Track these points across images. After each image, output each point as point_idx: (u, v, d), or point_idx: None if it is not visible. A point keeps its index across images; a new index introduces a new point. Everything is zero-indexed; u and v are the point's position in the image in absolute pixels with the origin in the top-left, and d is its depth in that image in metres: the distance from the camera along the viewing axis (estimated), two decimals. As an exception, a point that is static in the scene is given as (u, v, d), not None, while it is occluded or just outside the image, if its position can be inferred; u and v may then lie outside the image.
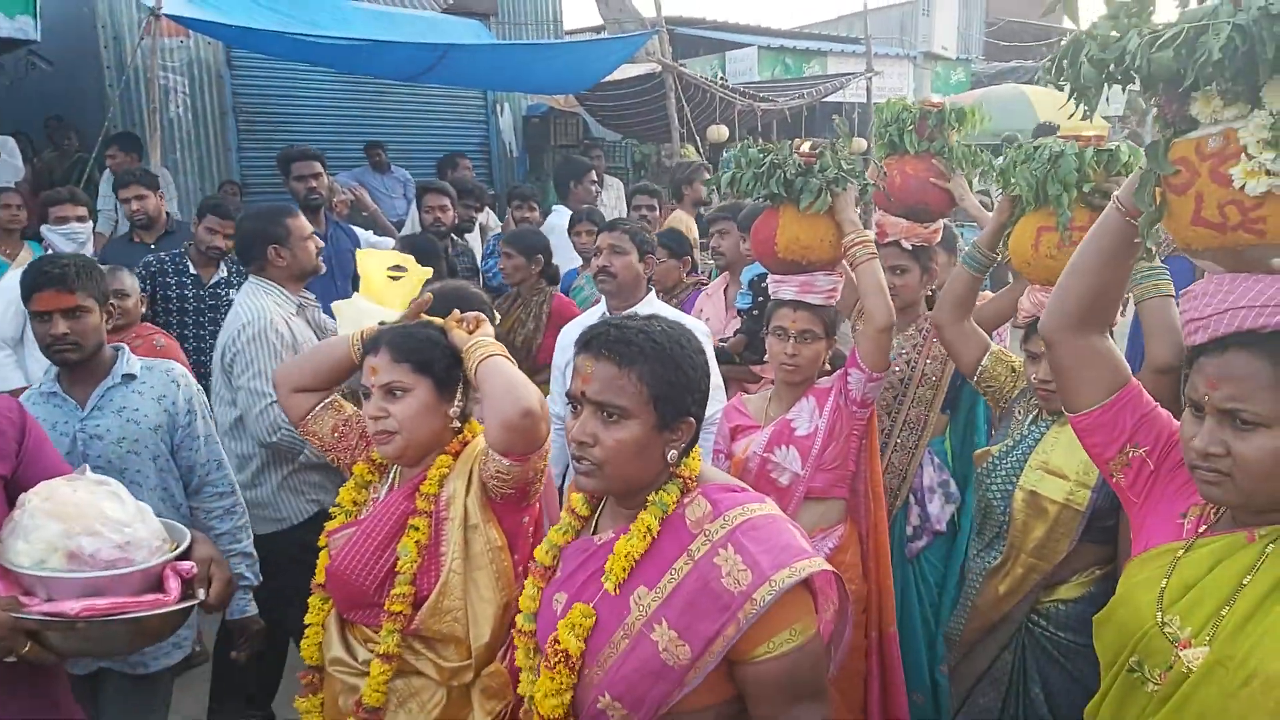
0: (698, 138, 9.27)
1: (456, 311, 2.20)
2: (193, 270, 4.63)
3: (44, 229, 4.76)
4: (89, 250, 4.73)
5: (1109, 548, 2.44)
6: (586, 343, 1.62)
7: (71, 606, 1.71)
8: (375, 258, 3.11)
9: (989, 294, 3.56)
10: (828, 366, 2.94)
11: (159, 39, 8.80)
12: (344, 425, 2.26)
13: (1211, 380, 1.43)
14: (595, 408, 1.58)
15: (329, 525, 2.19)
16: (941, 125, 3.19)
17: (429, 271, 3.12)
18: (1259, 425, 1.38)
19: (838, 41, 15.03)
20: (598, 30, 13.03)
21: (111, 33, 8.70)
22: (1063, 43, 1.48)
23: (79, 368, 2.70)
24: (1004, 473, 2.56)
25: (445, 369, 2.09)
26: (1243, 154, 1.31)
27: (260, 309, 3.30)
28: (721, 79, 10.70)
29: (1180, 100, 1.39)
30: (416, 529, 2.02)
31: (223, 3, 7.33)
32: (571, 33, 12.47)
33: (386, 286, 2.98)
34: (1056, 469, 2.45)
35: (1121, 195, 1.60)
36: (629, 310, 3.34)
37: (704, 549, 1.55)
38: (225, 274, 4.70)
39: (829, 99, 11.02)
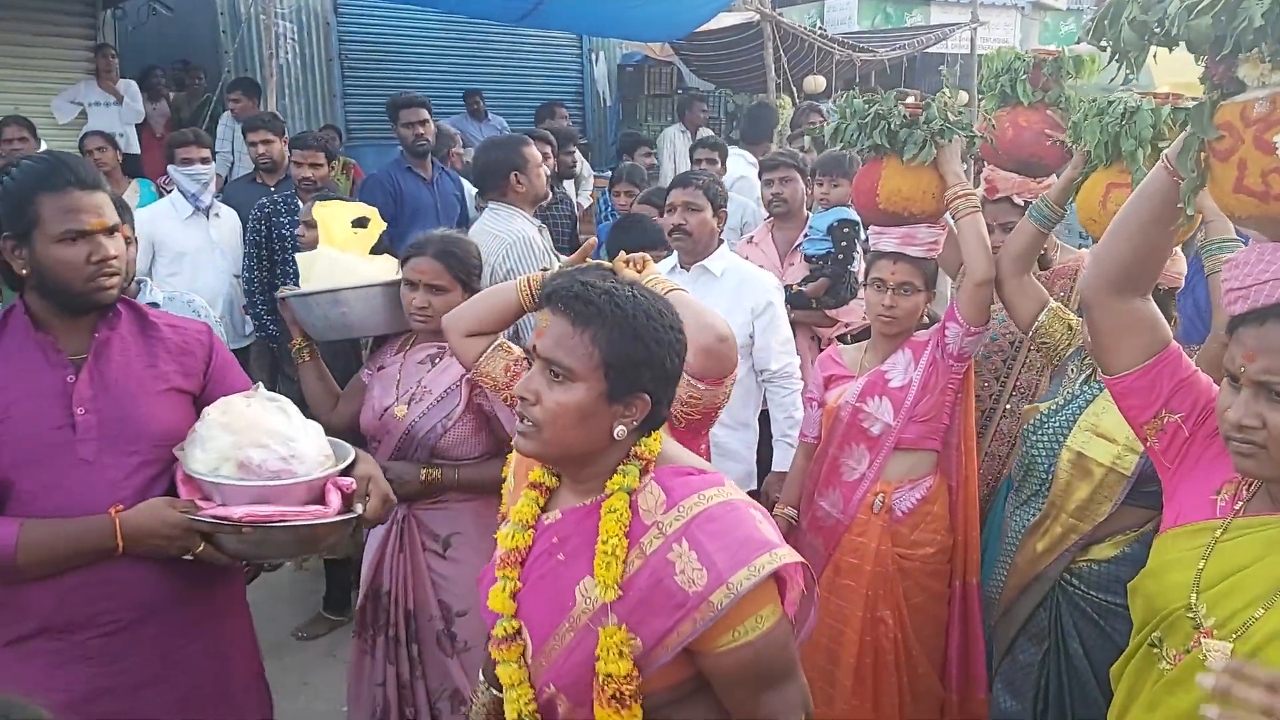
0: (794, 88, 9.15)
1: (623, 254, 2.25)
2: (302, 206, 4.81)
3: (170, 169, 5.02)
4: (211, 190, 4.97)
5: (1150, 512, 2.38)
6: (548, 295, 1.51)
7: (237, 512, 1.86)
8: (335, 208, 3.04)
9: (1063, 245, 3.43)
10: (925, 319, 2.94)
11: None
12: (515, 365, 2.30)
13: (1249, 352, 1.40)
14: (543, 364, 1.48)
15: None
16: (1058, 74, 3.02)
17: (383, 224, 3.10)
18: None
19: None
20: None
21: (226, -22, 9.01)
22: (1105, 4, 1.43)
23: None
24: (1051, 431, 2.54)
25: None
26: None
27: (517, 229, 3.53)
28: (821, 28, 10.49)
29: (1227, 62, 1.34)
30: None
31: None
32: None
33: (350, 237, 2.97)
34: (1106, 432, 2.41)
35: (1171, 155, 1.55)
36: (703, 263, 3.43)
37: (656, 544, 1.43)
38: None
39: (931, 50, 10.69)
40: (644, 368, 1.47)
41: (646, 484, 1.50)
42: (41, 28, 7.98)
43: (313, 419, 2.16)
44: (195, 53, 9.31)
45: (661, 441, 1.55)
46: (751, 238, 4.50)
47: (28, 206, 1.88)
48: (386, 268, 2.89)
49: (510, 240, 3.48)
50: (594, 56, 11.22)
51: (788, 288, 4.03)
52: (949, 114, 2.73)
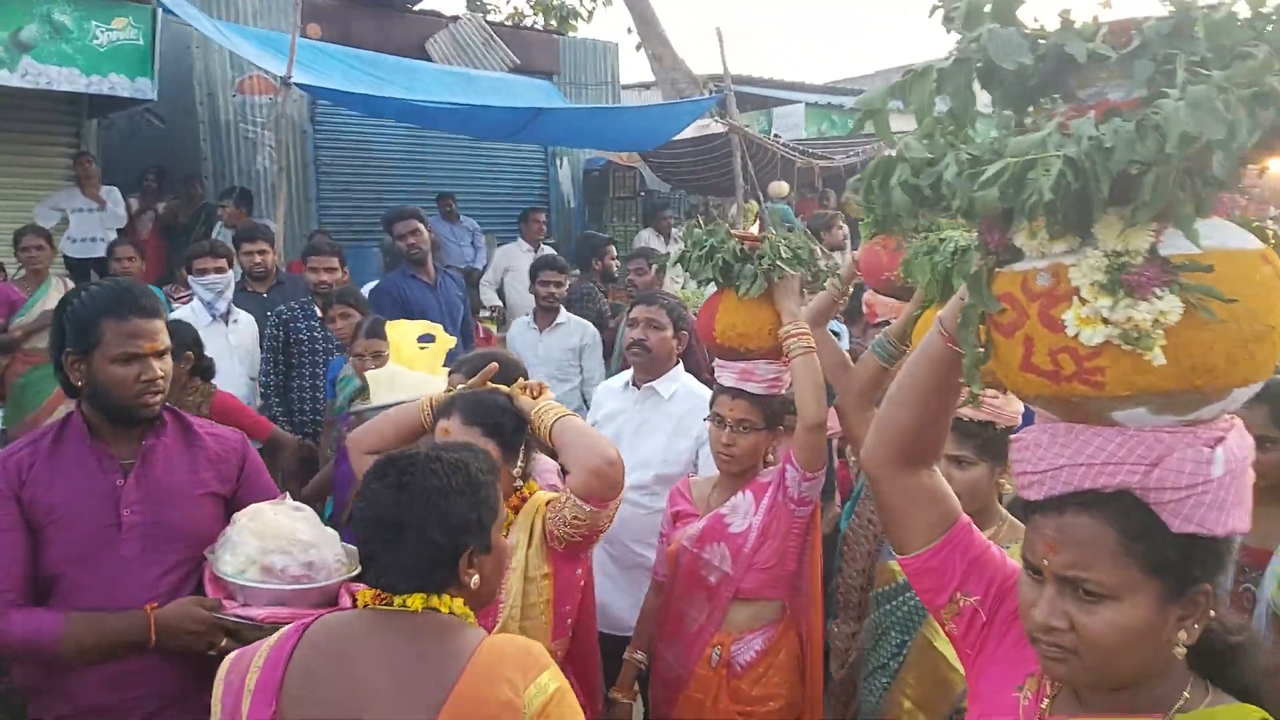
0: (760, 192, 9.59)
1: (521, 380, 2.39)
2: (318, 313, 4.93)
3: (189, 279, 5.26)
4: (226, 297, 5.15)
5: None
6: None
7: (259, 613, 2.05)
8: (404, 327, 3.24)
9: None
10: (770, 458, 2.78)
11: (249, 96, 9.57)
12: None
13: (1050, 543, 1.24)
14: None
15: None
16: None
17: (453, 340, 3.28)
18: (1105, 597, 1.21)
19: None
20: (647, 85, 13.52)
21: (206, 90, 9.37)
22: (871, 164, 1.32)
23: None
24: (908, 607, 2.38)
25: (512, 432, 2.23)
26: (1075, 297, 1.13)
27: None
28: (775, 134, 11.08)
29: (1002, 227, 1.22)
30: None
31: (333, 70, 7.96)
32: (626, 88, 13.00)
33: (416, 354, 3.12)
34: None
35: (946, 320, 1.41)
36: (653, 383, 3.38)
37: None
38: None
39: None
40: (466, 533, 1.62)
41: None
42: (27, 136, 8.30)
43: None
44: (174, 160, 9.59)
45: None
46: None
47: (92, 328, 2.13)
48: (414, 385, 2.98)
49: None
50: (558, 161, 11.65)
51: None
52: (782, 250, 2.63)
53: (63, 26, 7.09)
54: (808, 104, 11.83)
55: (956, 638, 1.50)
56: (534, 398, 2.32)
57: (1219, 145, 1.05)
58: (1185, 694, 1.26)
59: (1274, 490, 2.38)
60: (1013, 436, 1.36)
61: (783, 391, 2.73)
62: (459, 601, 1.60)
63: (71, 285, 6.14)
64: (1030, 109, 1.26)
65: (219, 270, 5.11)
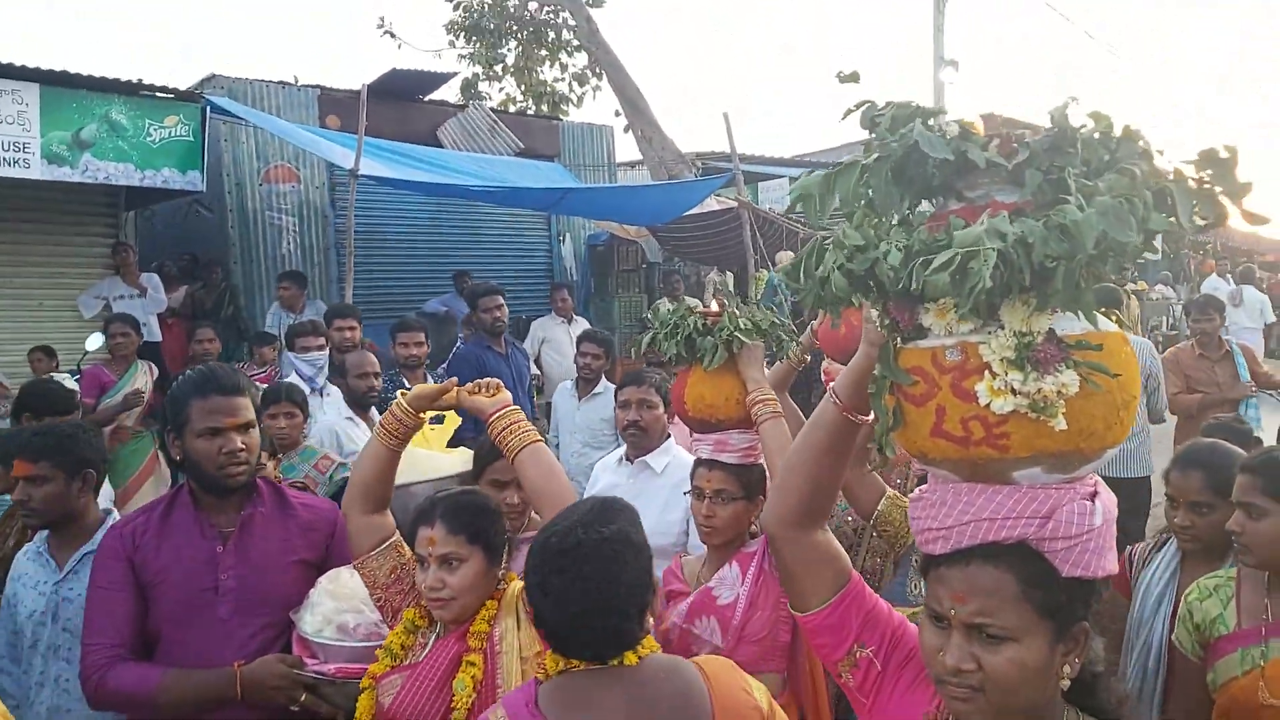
0: (770, 262, 10.02)
1: (471, 385, 2.36)
2: (408, 386, 5.21)
3: (290, 355, 5.72)
4: (325, 372, 5.56)
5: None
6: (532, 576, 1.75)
7: (330, 667, 2.20)
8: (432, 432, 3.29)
9: None
10: (754, 528, 2.77)
11: (274, 185, 10.03)
12: (402, 569, 2.27)
13: (957, 594, 1.34)
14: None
15: (374, 669, 2.19)
16: None
17: (459, 420, 3.33)
18: (1007, 639, 1.32)
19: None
20: (633, 165, 14.10)
21: (235, 180, 9.82)
22: (804, 249, 1.41)
23: (61, 530, 2.75)
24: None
25: (495, 534, 2.19)
26: (987, 370, 1.26)
27: None
28: (770, 208, 11.76)
29: (911, 309, 1.33)
30: (473, 664, 2.09)
31: (390, 160, 8.60)
32: (619, 165, 13.66)
33: (427, 432, 3.18)
34: None
35: (839, 390, 1.56)
36: (645, 458, 3.43)
37: None
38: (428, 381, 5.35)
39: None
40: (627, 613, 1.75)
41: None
42: (67, 229, 8.67)
43: None
44: (204, 246, 10.02)
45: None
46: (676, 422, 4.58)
47: (183, 408, 2.35)
48: (459, 460, 3.11)
49: None
50: (562, 237, 12.14)
51: None
52: (741, 321, 2.72)
53: (119, 125, 7.49)
54: (790, 178, 12.57)
55: (853, 689, 1.59)
56: (491, 396, 2.34)
57: (1118, 247, 1.20)
58: None
59: (1210, 553, 2.63)
60: (911, 496, 1.46)
61: (759, 460, 2.75)
62: (649, 638, 1.79)
63: (156, 370, 6.51)
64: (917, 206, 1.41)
65: (320, 348, 5.54)
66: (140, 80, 7.81)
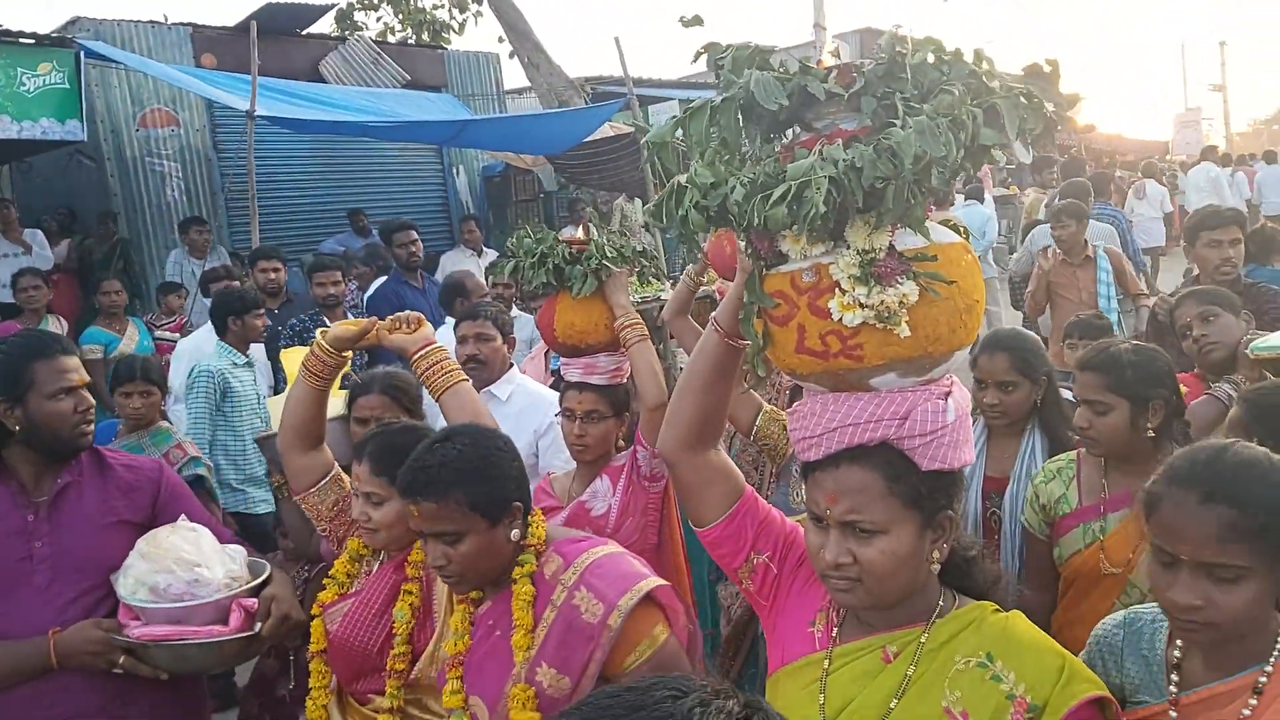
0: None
1: (390, 320, 2.38)
2: (328, 323, 5.11)
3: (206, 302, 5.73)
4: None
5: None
6: (404, 491, 1.89)
7: (136, 630, 2.14)
8: (296, 353, 3.24)
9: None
10: (621, 443, 2.94)
11: (151, 129, 9.69)
12: (344, 501, 2.35)
13: (830, 495, 1.47)
14: (435, 538, 1.88)
15: (323, 596, 2.28)
16: None
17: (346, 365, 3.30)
18: (877, 532, 1.44)
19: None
20: (521, 91, 13.88)
21: (110, 127, 9.38)
22: (665, 190, 1.50)
23: None
24: None
25: None
26: (837, 288, 1.37)
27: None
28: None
29: (770, 237, 1.43)
30: (410, 593, 2.18)
31: (284, 100, 8.30)
32: (508, 93, 13.54)
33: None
34: None
35: (719, 318, 1.64)
36: (490, 389, 3.39)
37: (563, 596, 1.89)
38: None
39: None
40: (503, 485, 1.91)
41: (548, 555, 1.95)
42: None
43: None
44: (85, 197, 9.61)
45: (544, 526, 2.01)
46: (531, 355, 4.75)
47: (23, 373, 2.21)
48: (333, 406, 2.98)
49: None
50: (455, 170, 12.00)
51: None
52: (608, 250, 2.82)
53: (-11, 77, 7.15)
54: (680, 100, 12.71)
55: (753, 593, 1.73)
56: (412, 332, 2.36)
57: (938, 162, 1.31)
58: (939, 603, 1.53)
59: (1013, 427, 2.80)
60: (789, 411, 1.60)
61: (625, 380, 2.91)
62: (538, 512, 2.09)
63: (65, 324, 6.38)
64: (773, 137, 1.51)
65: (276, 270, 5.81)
66: (3, 27, 7.39)
